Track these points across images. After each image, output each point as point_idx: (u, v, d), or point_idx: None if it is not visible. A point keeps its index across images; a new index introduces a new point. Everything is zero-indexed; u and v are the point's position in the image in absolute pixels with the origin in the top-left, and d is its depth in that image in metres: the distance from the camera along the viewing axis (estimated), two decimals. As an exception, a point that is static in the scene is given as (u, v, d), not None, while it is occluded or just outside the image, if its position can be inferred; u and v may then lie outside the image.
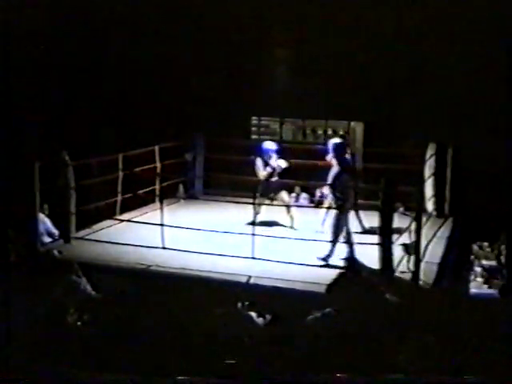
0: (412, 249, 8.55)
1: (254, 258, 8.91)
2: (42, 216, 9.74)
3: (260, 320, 7.42)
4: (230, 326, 7.31)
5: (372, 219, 9.40)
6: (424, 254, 9.00)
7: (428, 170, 11.35)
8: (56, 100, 12.73)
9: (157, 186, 11.75)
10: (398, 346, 6.91)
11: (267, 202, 10.53)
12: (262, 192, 10.44)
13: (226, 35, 12.32)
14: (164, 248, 9.27)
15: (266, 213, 10.49)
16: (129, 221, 10.57)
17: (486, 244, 9.46)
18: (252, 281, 8.32)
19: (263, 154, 10.58)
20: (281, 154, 10.66)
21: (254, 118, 12.81)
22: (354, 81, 11.87)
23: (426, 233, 9.22)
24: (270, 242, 9.22)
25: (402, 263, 8.70)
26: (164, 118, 12.58)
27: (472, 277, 8.59)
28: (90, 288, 8.17)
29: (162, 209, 9.65)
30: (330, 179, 8.98)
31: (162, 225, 9.37)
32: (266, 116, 12.74)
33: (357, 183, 9.64)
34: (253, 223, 9.44)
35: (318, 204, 11.48)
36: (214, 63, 12.49)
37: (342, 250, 8.89)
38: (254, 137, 12.74)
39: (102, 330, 7.25)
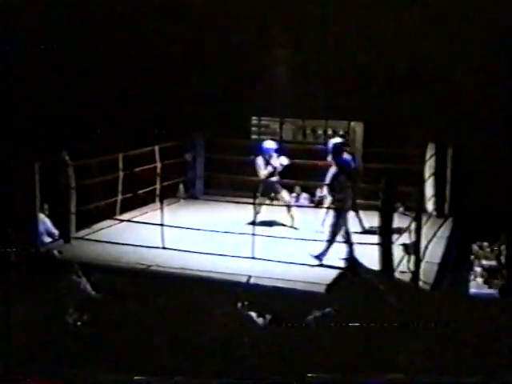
0: (412, 249, 8.54)
1: (254, 257, 8.91)
2: (42, 216, 9.74)
3: (260, 320, 7.42)
4: (230, 325, 7.31)
5: (372, 219, 9.41)
6: (424, 253, 8.99)
7: (428, 169, 11.36)
8: (56, 100, 12.71)
9: (157, 186, 11.75)
10: (397, 346, 6.91)
11: (267, 201, 10.53)
12: (263, 191, 10.44)
13: (226, 35, 12.31)
14: (164, 248, 9.27)
15: (267, 212, 10.49)
16: (129, 221, 10.56)
17: (485, 244, 9.44)
18: (252, 281, 8.32)
19: (264, 153, 10.59)
20: (281, 153, 10.66)
21: (254, 117, 12.81)
22: (353, 81, 11.86)
23: (425, 233, 9.21)
24: (270, 241, 9.22)
25: (402, 263, 8.71)
26: (164, 118, 12.57)
27: (472, 277, 8.59)
28: (90, 288, 8.17)
29: (162, 209, 9.65)
30: (327, 179, 8.99)
31: (162, 225, 9.38)
32: (266, 116, 12.74)
33: (355, 183, 9.62)
34: (253, 223, 9.45)
35: (318, 204, 11.49)
36: (213, 63, 12.48)
37: (341, 250, 8.89)
38: (254, 137, 12.74)
39: (102, 330, 7.25)
